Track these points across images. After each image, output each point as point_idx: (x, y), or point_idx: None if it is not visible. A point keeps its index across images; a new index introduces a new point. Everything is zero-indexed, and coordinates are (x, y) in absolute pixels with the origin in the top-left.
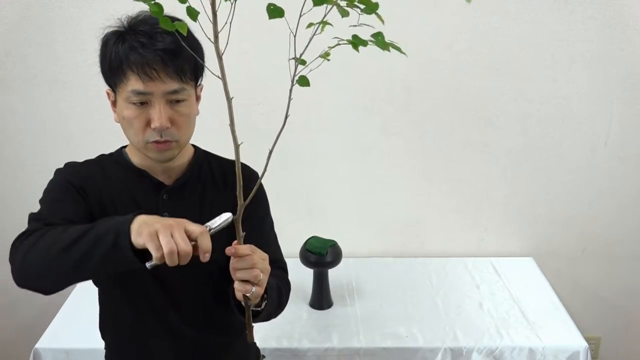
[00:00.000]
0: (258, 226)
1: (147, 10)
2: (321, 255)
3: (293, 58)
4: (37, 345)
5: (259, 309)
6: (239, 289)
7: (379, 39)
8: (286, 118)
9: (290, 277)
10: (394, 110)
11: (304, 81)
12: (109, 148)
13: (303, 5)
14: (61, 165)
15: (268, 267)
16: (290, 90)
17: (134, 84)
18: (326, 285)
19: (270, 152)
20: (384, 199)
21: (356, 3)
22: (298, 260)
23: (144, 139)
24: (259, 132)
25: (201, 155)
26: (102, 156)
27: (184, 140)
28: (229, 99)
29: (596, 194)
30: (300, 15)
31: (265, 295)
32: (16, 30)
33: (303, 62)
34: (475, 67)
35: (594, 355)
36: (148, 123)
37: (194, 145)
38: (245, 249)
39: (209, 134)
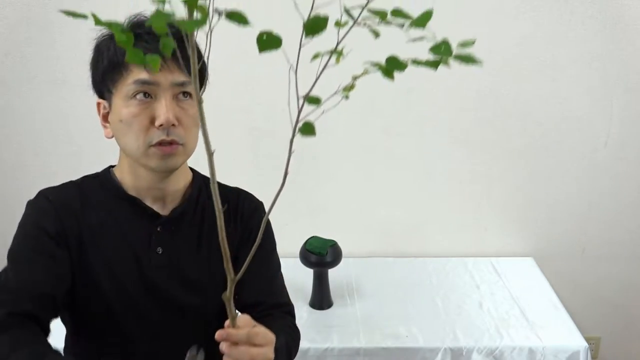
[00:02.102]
0: (264, 263)
1: (143, 15)
2: (321, 255)
3: (305, 96)
4: None
5: None
6: None
7: (442, 50)
8: (285, 175)
9: (291, 277)
10: (395, 110)
11: (308, 129)
12: (109, 148)
13: (302, 36)
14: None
15: (270, 356)
16: (291, 142)
17: (137, 74)
18: (326, 285)
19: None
20: (384, 199)
21: (389, 19)
22: (298, 260)
23: (147, 141)
24: (260, 131)
25: (200, 181)
26: (85, 179)
27: (190, 147)
28: (193, 50)
29: (596, 194)
30: (300, 47)
31: None
32: (16, 30)
33: (316, 101)
34: (476, 67)
35: (594, 355)
36: (152, 121)
37: (192, 170)
38: (241, 335)
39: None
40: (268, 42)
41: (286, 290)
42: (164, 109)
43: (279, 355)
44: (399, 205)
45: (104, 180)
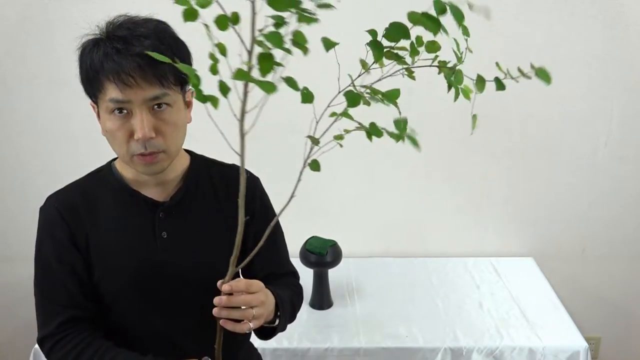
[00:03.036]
0: (271, 238)
1: (127, 15)
2: (321, 255)
3: (308, 136)
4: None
5: (273, 325)
6: (234, 329)
7: (400, 126)
8: (291, 197)
9: None
10: (395, 110)
11: (315, 166)
12: (109, 148)
13: (330, 102)
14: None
15: (263, 298)
16: (301, 172)
17: (111, 92)
18: (326, 285)
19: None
20: (384, 199)
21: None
22: (298, 260)
23: (129, 152)
24: (260, 131)
25: (199, 163)
26: (88, 177)
27: (172, 151)
28: (243, 175)
29: (596, 194)
30: (328, 105)
31: (278, 313)
32: (16, 30)
33: (316, 142)
34: (475, 67)
35: (594, 355)
36: (131, 134)
37: (190, 152)
38: (241, 284)
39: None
40: (307, 96)
41: (288, 256)
42: (139, 125)
43: (284, 304)
44: (399, 205)
45: (106, 174)
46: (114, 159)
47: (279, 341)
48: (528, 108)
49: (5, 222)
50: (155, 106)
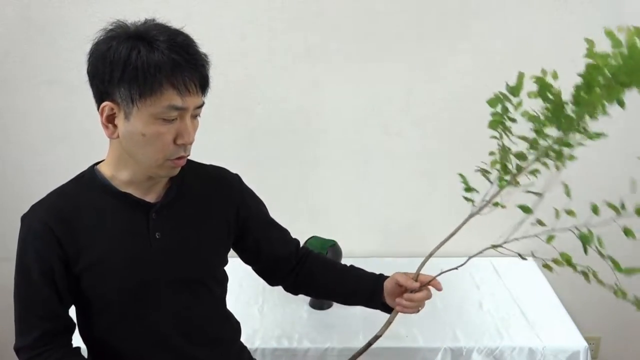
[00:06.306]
0: (270, 222)
1: (152, 19)
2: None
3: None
4: None
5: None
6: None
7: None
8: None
9: None
10: (395, 110)
11: None
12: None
13: None
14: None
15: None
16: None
17: (170, 98)
18: None
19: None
20: (384, 198)
21: None
22: None
23: (166, 156)
24: (260, 132)
25: (183, 165)
26: (71, 183)
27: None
28: None
29: (596, 194)
30: None
31: None
32: (16, 30)
33: None
34: (476, 67)
35: (594, 355)
36: (175, 138)
37: None
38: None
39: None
40: None
41: None
42: (189, 131)
43: None
44: (399, 205)
45: (91, 180)
46: (96, 164)
47: (279, 341)
48: (528, 108)
49: (4, 222)
50: (196, 114)
